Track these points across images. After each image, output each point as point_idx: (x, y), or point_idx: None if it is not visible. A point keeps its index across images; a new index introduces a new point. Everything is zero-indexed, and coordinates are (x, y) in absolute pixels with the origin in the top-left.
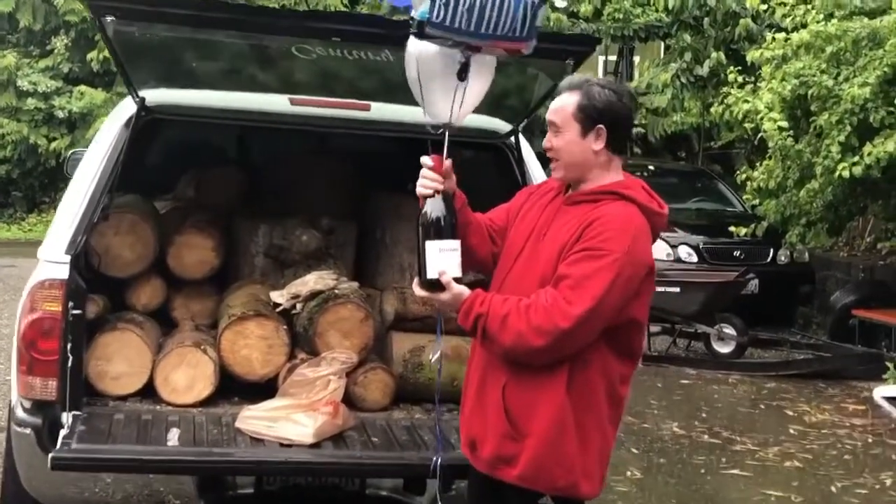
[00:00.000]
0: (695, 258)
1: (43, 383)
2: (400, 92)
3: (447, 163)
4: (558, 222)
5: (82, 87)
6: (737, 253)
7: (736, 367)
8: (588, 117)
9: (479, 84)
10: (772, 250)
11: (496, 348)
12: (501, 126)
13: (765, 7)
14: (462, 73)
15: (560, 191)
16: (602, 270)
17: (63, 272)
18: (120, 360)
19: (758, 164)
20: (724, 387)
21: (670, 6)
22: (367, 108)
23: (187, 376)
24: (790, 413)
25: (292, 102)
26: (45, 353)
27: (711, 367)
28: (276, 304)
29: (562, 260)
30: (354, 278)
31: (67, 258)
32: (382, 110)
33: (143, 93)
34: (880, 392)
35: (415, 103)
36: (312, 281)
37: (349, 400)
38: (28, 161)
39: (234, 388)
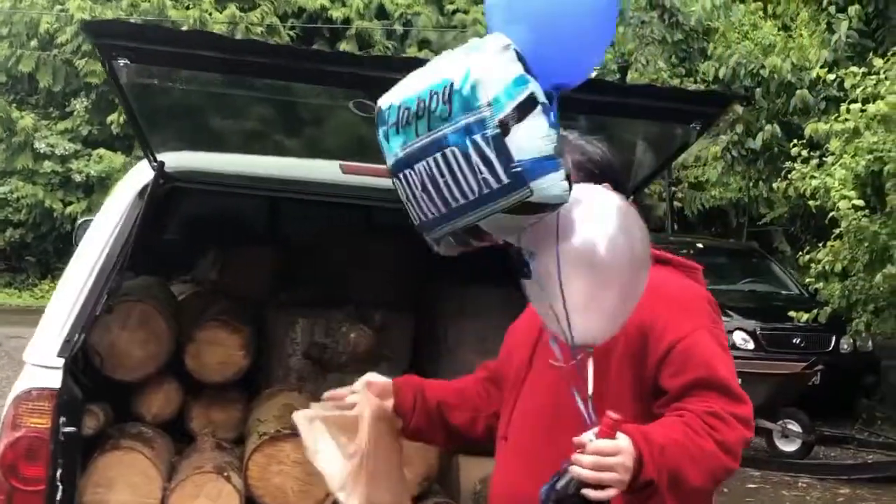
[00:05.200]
0: (751, 345)
1: None
2: None
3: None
4: None
5: (101, 151)
6: (797, 340)
7: (805, 469)
8: (589, 175)
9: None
10: (834, 338)
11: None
12: None
13: (832, 77)
14: (523, 270)
15: None
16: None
17: (54, 380)
18: (123, 488)
19: (819, 245)
20: (795, 493)
21: (721, 76)
22: None
23: None
24: None
25: (344, 171)
26: (29, 482)
27: (777, 469)
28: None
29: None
30: None
31: (60, 362)
32: None
33: (161, 156)
34: None
35: None
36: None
37: None
38: (43, 225)
39: None
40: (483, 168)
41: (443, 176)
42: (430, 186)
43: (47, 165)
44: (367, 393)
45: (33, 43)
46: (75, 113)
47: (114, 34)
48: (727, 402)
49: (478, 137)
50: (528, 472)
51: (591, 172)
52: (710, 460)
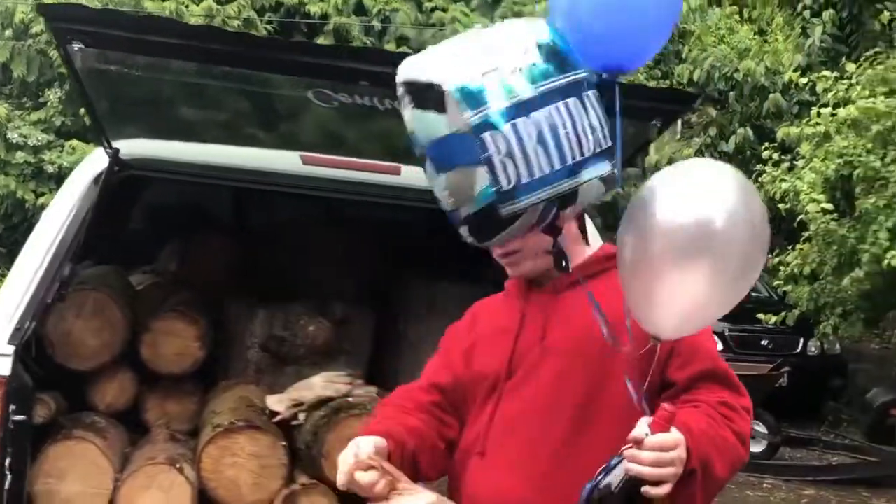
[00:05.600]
0: (720, 346)
1: None
2: None
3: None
4: (559, 318)
5: (74, 142)
6: (765, 342)
7: (770, 470)
8: None
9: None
10: (801, 340)
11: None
12: None
13: (805, 81)
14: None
15: (523, 288)
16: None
17: (3, 367)
18: (74, 478)
19: (788, 248)
20: (760, 493)
21: (695, 78)
22: (397, 172)
23: (157, 502)
24: None
25: (304, 161)
26: None
27: (743, 469)
28: (274, 413)
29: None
30: (370, 380)
31: (10, 349)
32: (415, 175)
33: (117, 143)
34: None
35: None
36: (319, 385)
37: None
38: (14, 216)
39: None
40: (599, 124)
41: (564, 127)
42: (548, 137)
43: (20, 156)
44: (384, 462)
45: (8, 32)
46: (49, 104)
47: (69, 18)
48: (732, 393)
49: (590, 93)
50: (521, 482)
51: None
52: (731, 451)
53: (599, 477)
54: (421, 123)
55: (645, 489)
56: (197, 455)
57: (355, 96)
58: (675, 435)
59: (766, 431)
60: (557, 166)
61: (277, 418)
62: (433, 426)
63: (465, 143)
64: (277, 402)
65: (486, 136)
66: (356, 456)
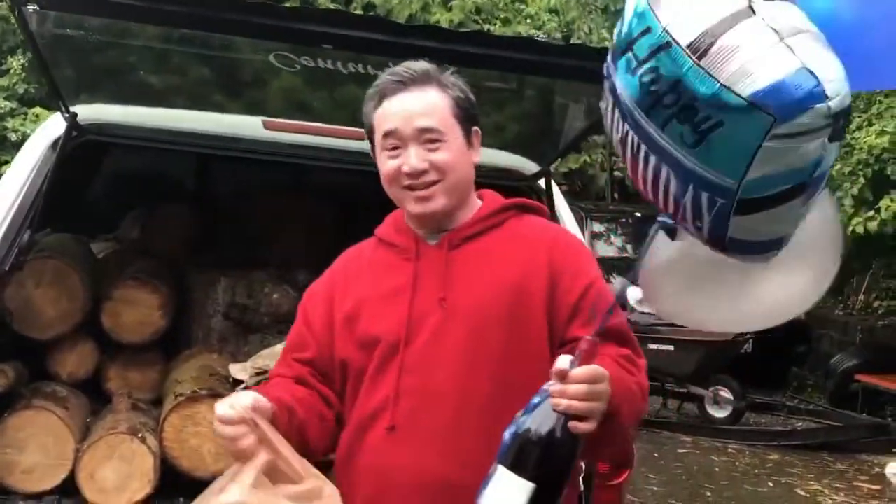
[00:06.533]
0: None
1: None
2: None
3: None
4: (458, 276)
5: (37, 109)
6: None
7: (734, 435)
8: (468, 117)
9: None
10: None
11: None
12: (528, 166)
13: None
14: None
15: (412, 243)
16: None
17: None
18: (34, 449)
19: None
20: (725, 458)
21: None
22: (361, 138)
23: (119, 472)
24: (802, 493)
25: (266, 126)
26: None
27: (708, 434)
28: (237, 381)
29: (531, 314)
30: None
31: None
32: None
33: (74, 108)
34: (894, 469)
35: None
36: None
37: None
38: None
39: (180, 487)
40: (689, 211)
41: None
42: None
43: None
44: (264, 421)
45: None
46: (12, 71)
47: None
48: (632, 351)
49: (704, 195)
50: (444, 459)
51: (469, 115)
52: (635, 401)
53: (522, 418)
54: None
55: (573, 423)
56: (159, 424)
57: (318, 60)
58: (600, 368)
59: (730, 397)
60: None
61: (241, 387)
62: (316, 397)
63: None
64: (241, 371)
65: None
66: (231, 407)
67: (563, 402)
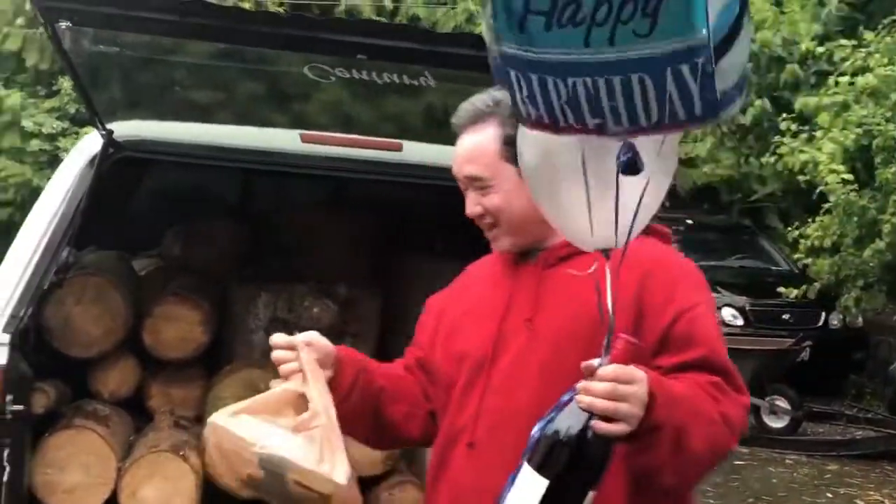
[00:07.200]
0: (740, 321)
1: None
2: (440, 128)
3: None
4: (547, 298)
5: (88, 129)
6: (786, 316)
7: (792, 446)
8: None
9: (658, 179)
10: (823, 313)
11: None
12: None
13: (822, 50)
14: (631, 166)
15: (510, 259)
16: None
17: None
18: (75, 469)
19: (809, 220)
20: (783, 469)
21: None
22: (399, 149)
23: (162, 491)
24: None
25: (303, 140)
26: None
27: (765, 445)
28: None
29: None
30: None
31: (6, 338)
32: (417, 151)
33: (111, 125)
34: None
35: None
36: None
37: None
38: (30, 205)
39: None
40: (676, 100)
41: (612, 101)
42: (583, 103)
43: (35, 144)
44: (309, 354)
45: (20, 21)
46: (62, 91)
47: None
48: (727, 382)
49: (684, 68)
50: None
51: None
52: (714, 428)
53: (551, 415)
54: None
55: (595, 422)
56: (202, 442)
57: (353, 71)
58: (634, 370)
59: (787, 407)
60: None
61: None
62: (415, 385)
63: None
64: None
65: (524, 75)
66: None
67: (586, 399)
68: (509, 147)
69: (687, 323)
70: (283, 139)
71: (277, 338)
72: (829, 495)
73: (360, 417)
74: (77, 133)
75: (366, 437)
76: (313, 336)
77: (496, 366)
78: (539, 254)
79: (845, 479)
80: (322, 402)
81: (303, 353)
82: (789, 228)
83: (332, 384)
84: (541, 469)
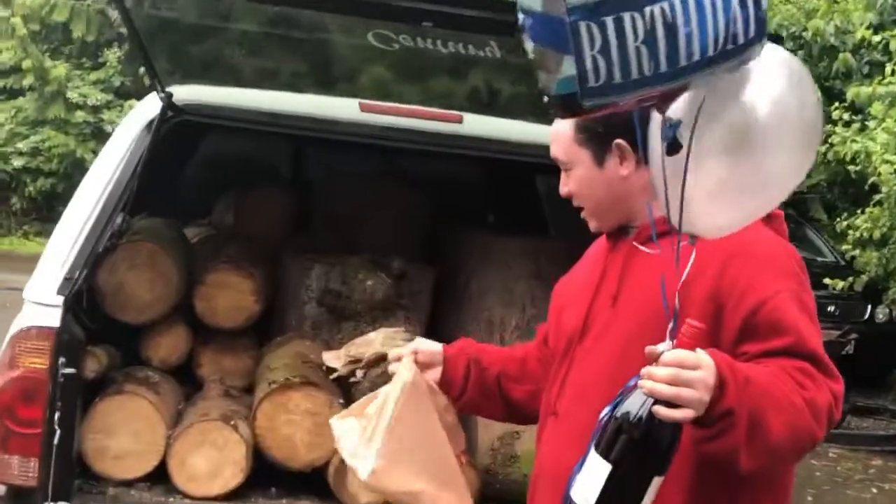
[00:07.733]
0: None
1: (21, 464)
2: (502, 100)
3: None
4: (634, 277)
5: (133, 102)
6: (831, 308)
7: (836, 440)
8: (593, 136)
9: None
10: (869, 306)
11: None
12: None
13: (878, 38)
14: (673, 146)
15: (611, 238)
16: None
17: (53, 318)
18: (125, 435)
19: (857, 211)
20: (826, 463)
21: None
22: (459, 120)
23: (211, 460)
24: None
25: (363, 108)
26: (26, 424)
27: None
28: (331, 370)
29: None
30: (430, 335)
31: (60, 300)
32: (478, 124)
33: (170, 88)
34: None
35: (520, 115)
36: (378, 340)
37: None
38: (74, 176)
39: (272, 477)
40: (739, 20)
41: (687, 26)
42: (660, 35)
43: (79, 116)
44: (411, 361)
45: None
46: (108, 63)
47: None
48: (817, 368)
49: None
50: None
51: (595, 133)
52: (796, 415)
53: (618, 400)
54: None
55: (656, 407)
56: (252, 412)
57: (417, 39)
58: (699, 355)
59: None
60: (664, 69)
61: (334, 375)
62: (539, 363)
63: (554, 25)
64: (334, 359)
65: (589, 25)
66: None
67: (648, 384)
68: (584, 133)
69: (768, 312)
70: (342, 108)
71: (395, 353)
72: (874, 490)
73: (486, 402)
74: (122, 106)
75: (501, 416)
76: (420, 344)
77: (583, 342)
78: (635, 229)
79: (889, 475)
80: (387, 406)
81: (402, 365)
82: (837, 219)
83: (443, 382)
84: (606, 452)
